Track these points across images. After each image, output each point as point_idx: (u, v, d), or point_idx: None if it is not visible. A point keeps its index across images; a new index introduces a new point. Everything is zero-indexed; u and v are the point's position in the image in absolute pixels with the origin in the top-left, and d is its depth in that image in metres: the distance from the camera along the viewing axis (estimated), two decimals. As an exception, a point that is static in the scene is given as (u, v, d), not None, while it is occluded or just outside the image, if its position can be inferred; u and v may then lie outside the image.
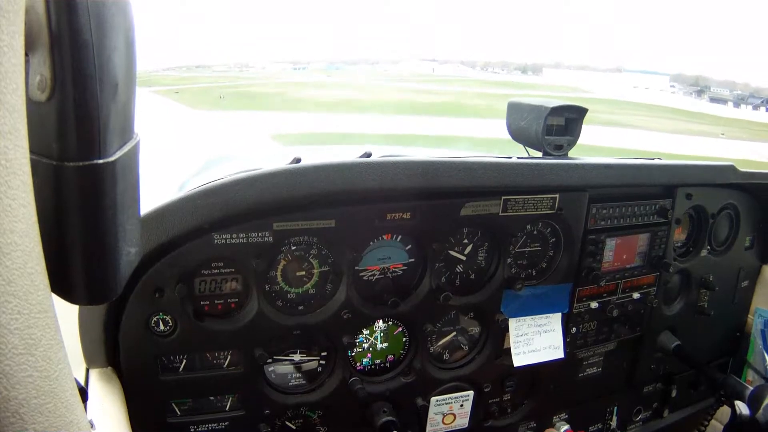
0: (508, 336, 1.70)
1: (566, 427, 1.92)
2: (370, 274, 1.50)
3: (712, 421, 2.29)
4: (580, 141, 1.81)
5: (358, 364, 1.58)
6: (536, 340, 1.73)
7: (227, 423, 1.41)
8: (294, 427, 1.52)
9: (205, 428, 1.40)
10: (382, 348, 1.59)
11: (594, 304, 1.81)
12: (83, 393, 0.72)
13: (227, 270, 1.32)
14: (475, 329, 1.71)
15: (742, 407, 1.77)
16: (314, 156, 1.36)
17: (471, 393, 1.70)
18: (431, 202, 1.45)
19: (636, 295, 1.89)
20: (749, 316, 2.29)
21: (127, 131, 0.56)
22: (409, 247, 1.52)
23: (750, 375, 2.26)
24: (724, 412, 2.27)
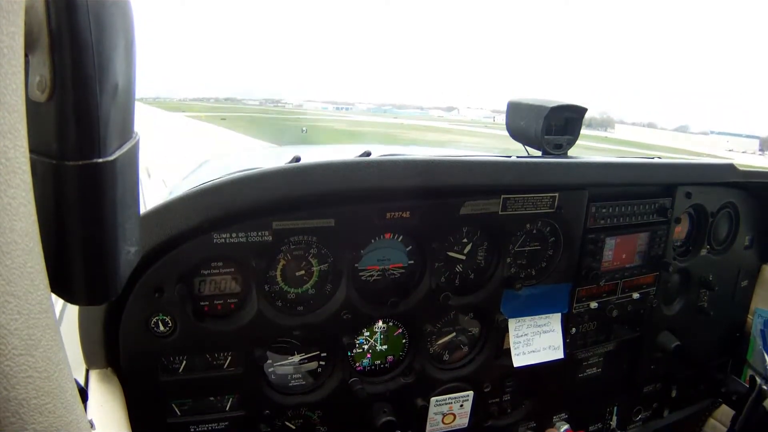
0: (508, 336, 1.70)
1: (566, 427, 1.91)
2: (369, 274, 1.50)
3: (711, 420, 2.29)
4: None
5: (357, 364, 1.58)
6: (536, 340, 1.73)
7: (227, 423, 1.41)
8: (294, 427, 1.52)
9: (205, 428, 1.40)
10: (381, 350, 1.60)
11: (594, 304, 1.81)
12: (83, 393, 0.72)
13: (227, 270, 1.32)
14: (475, 329, 1.71)
15: (765, 385, 1.84)
16: (314, 155, 1.36)
17: (471, 393, 1.70)
18: (431, 201, 1.45)
19: (636, 295, 1.89)
20: (749, 316, 2.29)
21: (126, 131, 0.56)
22: (410, 248, 1.52)
23: (750, 375, 2.27)
24: (722, 411, 2.28)
